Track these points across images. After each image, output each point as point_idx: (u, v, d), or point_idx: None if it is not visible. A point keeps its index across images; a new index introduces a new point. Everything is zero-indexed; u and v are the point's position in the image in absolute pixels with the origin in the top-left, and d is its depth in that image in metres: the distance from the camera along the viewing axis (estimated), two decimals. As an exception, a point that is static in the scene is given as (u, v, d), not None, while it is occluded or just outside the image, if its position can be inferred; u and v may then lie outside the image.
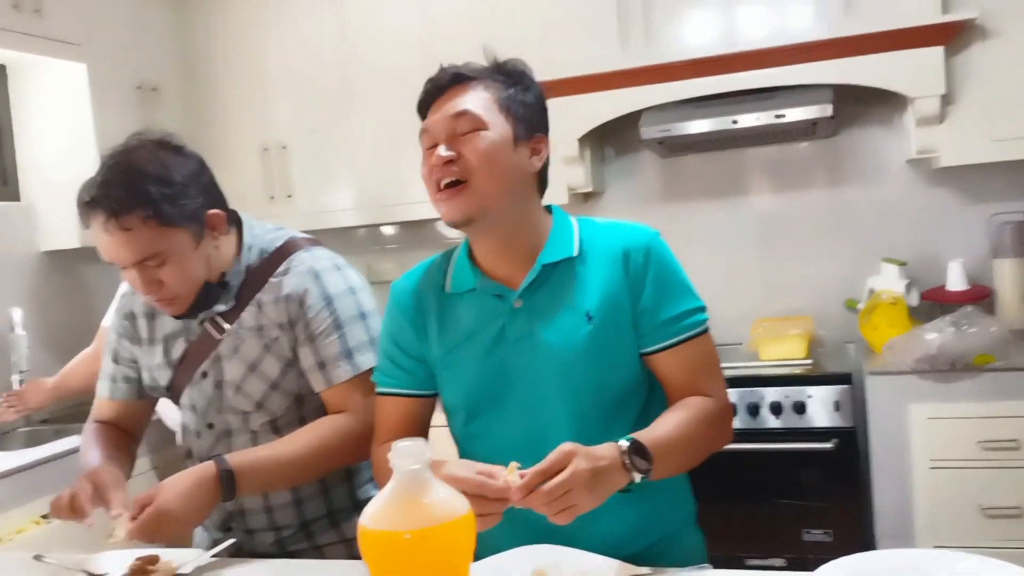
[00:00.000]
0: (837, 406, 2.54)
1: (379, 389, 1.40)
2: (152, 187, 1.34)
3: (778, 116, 2.68)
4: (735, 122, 2.73)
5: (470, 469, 1.09)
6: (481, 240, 1.32)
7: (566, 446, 1.07)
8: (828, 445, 2.51)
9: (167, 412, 2.42)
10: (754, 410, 2.58)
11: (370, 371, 1.45)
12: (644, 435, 1.15)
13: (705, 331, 1.30)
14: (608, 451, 1.10)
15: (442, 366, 1.34)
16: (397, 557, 0.73)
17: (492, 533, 1.03)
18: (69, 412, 3.07)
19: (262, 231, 1.55)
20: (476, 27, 3.11)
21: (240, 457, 1.38)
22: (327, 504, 1.54)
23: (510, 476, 1.05)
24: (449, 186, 1.24)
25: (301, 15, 3.35)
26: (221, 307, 1.49)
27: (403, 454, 0.75)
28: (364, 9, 3.28)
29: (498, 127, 1.25)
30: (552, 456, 1.06)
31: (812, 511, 2.55)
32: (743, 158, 3.19)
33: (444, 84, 1.29)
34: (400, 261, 3.66)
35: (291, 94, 3.40)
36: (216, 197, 1.47)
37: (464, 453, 1.38)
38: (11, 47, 2.76)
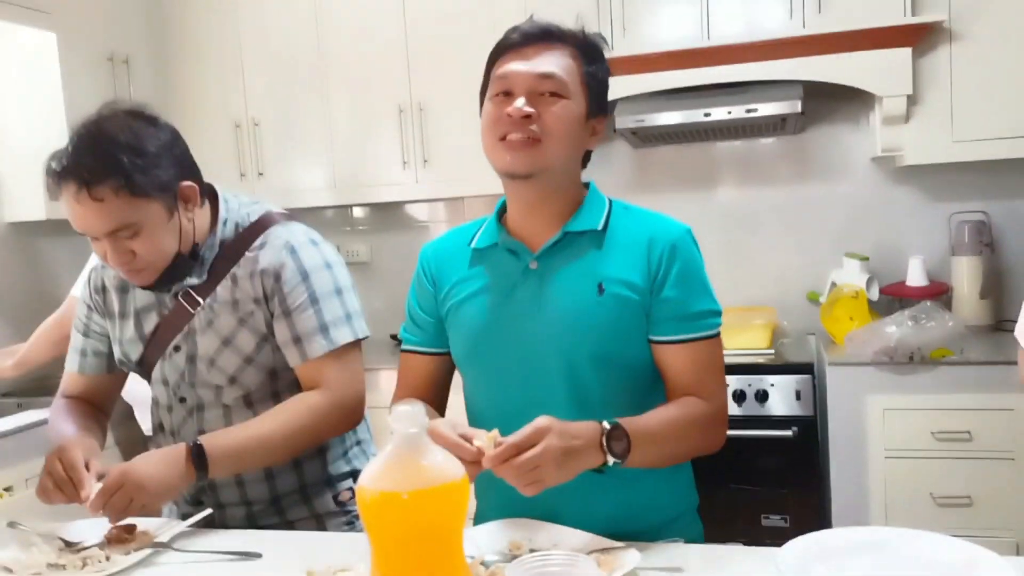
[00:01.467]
0: (798, 395, 2.60)
1: (402, 347, 1.45)
2: (124, 157, 1.32)
3: (749, 111, 2.73)
4: (707, 115, 2.77)
5: (452, 429, 1.12)
6: (522, 195, 1.32)
7: (541, 420, 1.10)
8: (788, 433, 2.58)
9: (127, 387, 2.41)
10: (717, 398, 2.64)
11: (346, 346, 1.47)
12: (629, 422, 1.18)
13: (717, 335, 1.32)
14: (585, 430, 1.13)
15: (452, 315, 1.37)
16: (394, 516, 0.76)
17: (479, 504, 1.06)
18: (32, 385, 3.03)
19: (237, 205, 1.54)
20: (454, 10, 3.12)
21: (213, 438, 1.38)
22: (299, 479, 1.55)
23: (486, 443, 1.08)
24: (520, 138, 1.24)
25: (277, -8, 3.33)
26: (195, 280, 1.48)
27: (402, 418, 0.78)
28: (341, -12, 3.26)
29: (578, 99, 1.26)
30: (526, 430, 1.09)
31: (771, 497, 2.62)
32: (713, 151, 3.24)
33: (533, 36, 1.27)
34: (370, 242, 3.66)
35: (265, 71, 3.38)
36: (190, 169, 1.45)
37: (467, 399, 1.41)
38: (-22, 13, 2.71)
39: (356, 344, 1.51)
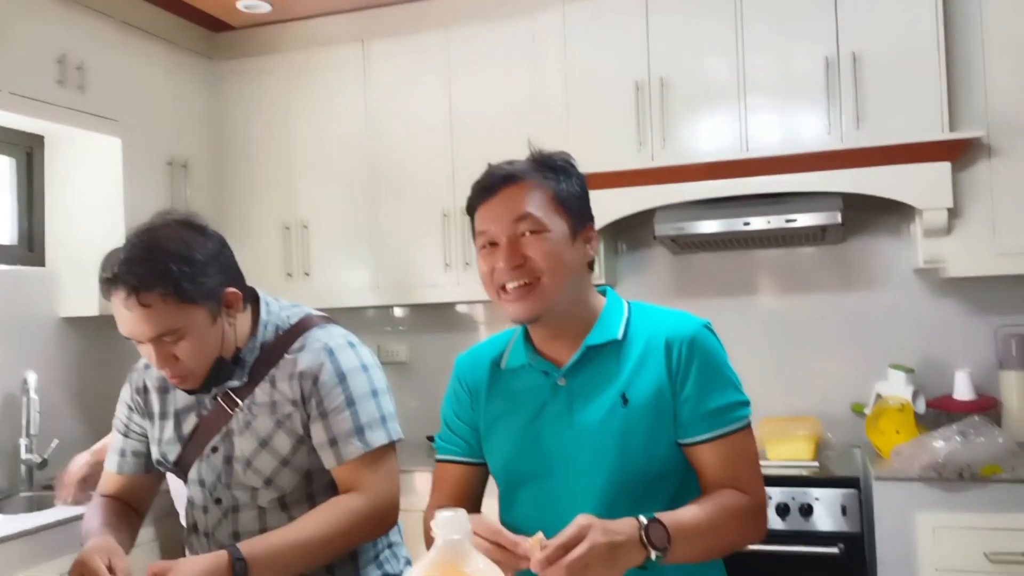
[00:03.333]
0: (844, 510, 2.52)
1: (438, 456, 1.46)
2: (173, 265, 1.37)
3: (789, 220, 2.76)
4: (747, 224, 2.80)
5: (496, 532, 1.12)
6: (539, 330, 1.37)
7: (582, 519, 1.09)
8: (834, 550, 2.49)
9: (173, 483, 2.43)
10: (760, 511, 2.57)
11: (380, 448, 1.48)
12: (667, 516, 1.17)
13: (747, 426, 1.31)
14: (625, 526, 1.13)
15: (487, 434, 1.39)
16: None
17: None
18: (73, 479, 3.06)
19: (278, 308, 1.58)
20: (498, 121, 3.23)
21: (253, 545, 1.37)
22: (332, 584, 1.54)
23: (531, 545, 1.07)
24: (516, 287, 1.28)
25: (329, 99, 3.49)
26: (235, 383, 1.51)
27: (445, 524, 0.78)
28: (390, 98, 3.41)
29: (557, 225, 1.29)
30: (570, 529, 1.08)
31: (817, 618, 2.51)
32: (753, 259, 3.26)
33: (497, 185, 1.31)
34: (410, 342, 3.70)
35: (316, 175, 3.51)
36: (234, 275, 1.50)
37: (503, 516, 1.41)
38: (52, 119, 2.87)
39: (391, 447, 1.51)
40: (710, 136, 2.92)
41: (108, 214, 3.10)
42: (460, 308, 3.70)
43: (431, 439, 3.38)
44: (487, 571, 0.78)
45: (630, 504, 1.26)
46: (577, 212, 1.32)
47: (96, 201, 3.13)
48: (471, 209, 1.35)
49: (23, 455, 2.88)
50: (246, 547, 1.36)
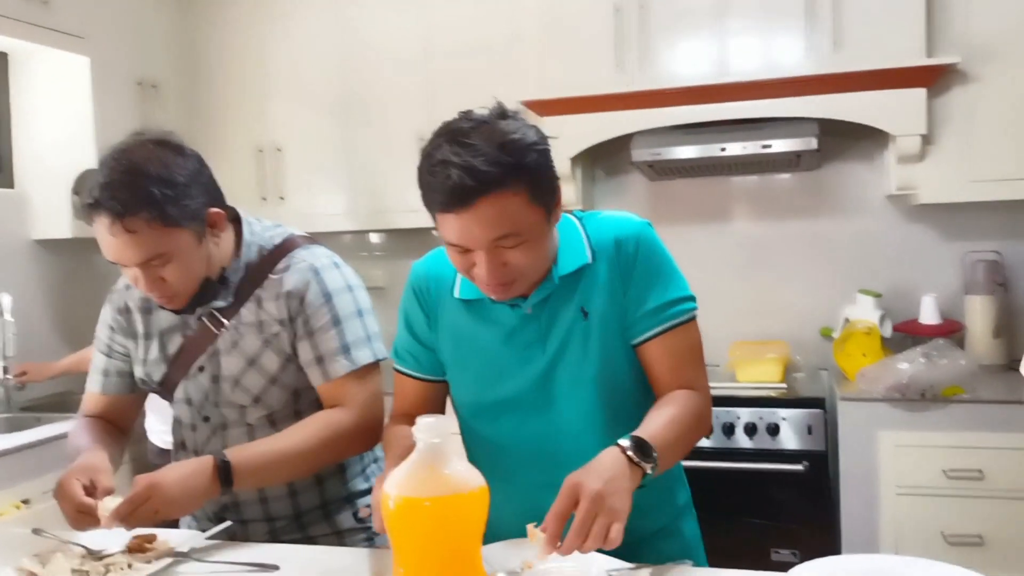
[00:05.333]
0: (809, 430, 2.61)
1: (395, 367, 1.46)
2: (155, 188, 1.35)
3: (765, 146, 2.77)
4: (723, 150, 2.81)
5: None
6: None
7: (569, 479, 1.08)
8: (799, 467, 2.58)
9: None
10: (729, 430, 2.65)
11: (366, 366, 1.51)
12: (642, 431, 1.18)
13: (691, 319, 1.32)
14: (609, 458, 1.13)
15: (450, 363, 1.40)
16: (416, 522, 0.79)
17: (492, 521, 1.06)
18: (50, 400, 3.08)
19: (261, 228, 1.58)
20: (475, 43, 3.19)
21: (239, 452, 1.41)
22: (320, 495, 1.58)
23: (538, 540, 1.05)
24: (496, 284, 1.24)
25: (303, 20, 3.41)
26: (220, 303, 1.51)
27: (427, 429, 0.81)
28: (365, 20, 3.34)
29: (535, 223, 1.21)
30: (561, 496, 1.07)
31: (781, 531, 2.61)
32: (728, 185, 3.28)
33: (467, 197, 1.15)
34: (387, 267, 3.71)
35: (289, 98, 3.45)
36: (216, 195, 1.49)
37: (468, 443, 1.43)
38: (16, 36, 2.79)
39: (376, 365, 1.54)
40: (689, 60, 2.90)
41: (78, 135, 3.05)
42: (435, 233, 3.68)
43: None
44: (466, 473, 0.82)
45: (606, 417, 1.31)
46: (550, 195, 1.23)
47: (65, 122, 3.08)
48: (430, 209, 1.22)
49: (0, 377, 2.89)
50: (231, 453, 1.39)
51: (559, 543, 1.03)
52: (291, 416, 1.53)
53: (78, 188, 3.08)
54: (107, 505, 1.32)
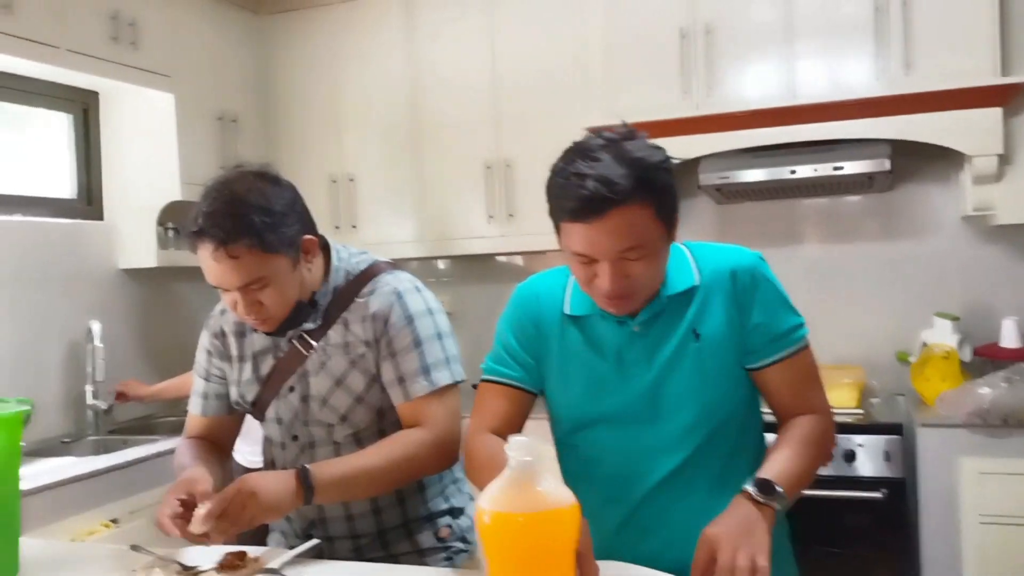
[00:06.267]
0: (887, 456, 2.56)
1: (487, 376, 1.48)
2: (255, 217, 1.43)
3: (836, 168, 2.75)
4: (793, 172, 2.80)
5: None
6: None
7: (704, 533, 1.14)
8: (877, 495, 2.53)
9: None
10: (803, 455, 2.61)
11: (445, 387, 1.55)
12: (767, 471, 1.24)
13: (807, 345, 1.38)
14: (737, 505, 1.19)
15: (554, 378, 1.43)
16: (510, 537, 0.82)
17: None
18: (136, 424, 3.20)
19: (347, 255, 1.65)
20: (542, 70, 3.24)
21: (320, 466, 1.46)
22: (402, 514, 1.62)
23: None
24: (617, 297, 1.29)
25: (375, 54, 3.52)
26: (309, 325, 1.58)
27: (519, 447, 0.84)
28: (434, 52, 3.43)
29: (659, 238, 1.27)
30: (698, 551, 1.13)
31: (859, 560, 2.56)
32: (798, 208, 3.25)
33: (597, 209, 1.21)
34: (454, 293, 3.76)
35: (362, 129, 3.55)
36: (309, 223, 1.57)
37: (564, 457, 1.46)
38: (108, 75, 2.94)
39: (454, 387, 1.59)
40: (756, 83, 2.90)
41: (163, 169, 3.18)
42: (501, 259, 3.74)
43: (476, 387, 3.45)
44: (558, 491, 0.84)
45: (707, 440, 1.34)
46: (672, 212, 1.29)
47: (151, 156, 3.22)
48: (559, 219, 1.27)
49: (89, 401, 3.02)
50: (313, 466, 1.44)
51: None
52: (376, 435, 1.57)
53: (163, 220, 3.22)
54: (201, 512, 1.36)
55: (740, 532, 1.13)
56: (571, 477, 1.43)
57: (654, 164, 1.25)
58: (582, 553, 1.06)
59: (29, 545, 1.48)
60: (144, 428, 3.14)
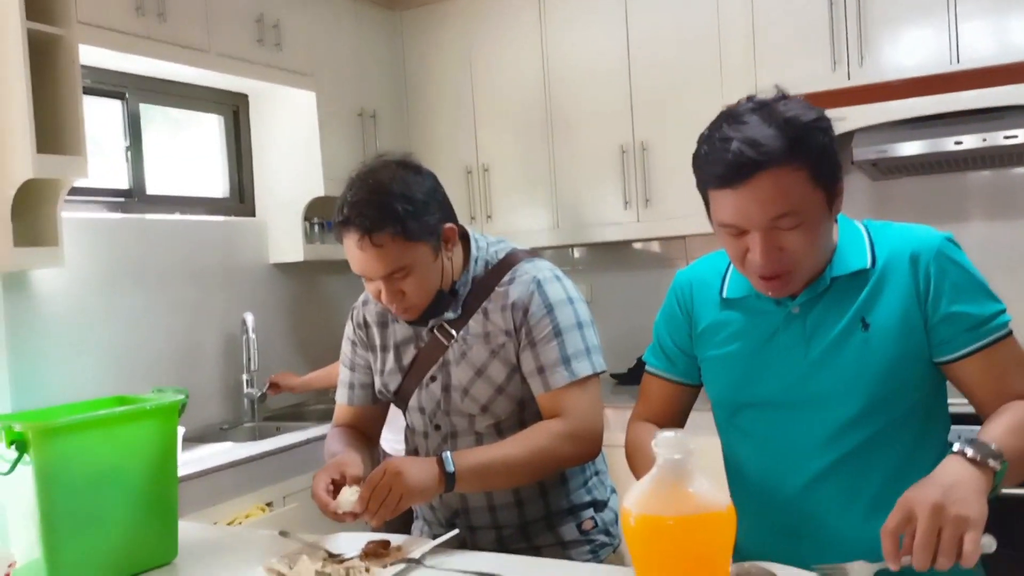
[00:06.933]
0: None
1: (648, 368, 1.46)
2: (398, 205, 1.44)
3: (1008, 137, 2.52)
4: (958, 143, 2.58)
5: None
6: None
7: (904, 495, 1.03)
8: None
9: None
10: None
11: (585, 378, 1.51)
12: (982, 436, 1.10)
13: (1010, 332, 1.23)
14: (948, 465, 1.06)
15: (709, 363, 1.37)
16: (659, 541, 0.77)
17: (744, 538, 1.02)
18: (289, 411, 3.34)
19: (486, 244, 1.63)
20: (679, 47, 3.13)
21: (461, 454, 1.46)
22: (545, 506, 1.59)
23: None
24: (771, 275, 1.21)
25: (508, 44, 3.51)
26: (450, 315, 1.57)
27: (667, 444, 0.78)
28: (568, 39, 3.38)
29: (815, 207, 1.16)
30: (894, 513, 1.02)
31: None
32: (961, 182, 3.01)
33: (745, 173, 1.13)
34: (590, 281, 3.71)
35: (496, 119, 3.55)
36: (449, 212, 1.57)
37: (726, 445, 1.40)
38: (255, 77, 3.07)
39: (595, 377, 1.54)
40: (913, 48, 2.69)
41: (307, 165, 3.29)
42: (638, 246, 3.66)
43: (615, 377, 3.40)
44: (711, 492, 0.78)
45: (875, 434, 1.23)
46: (832, 179, 1.18)
47: (295, 153, 3.34)
48: (706, 187, 1.20)
49: (245, 389, 3.17)
50: (455, 455, 1.45)
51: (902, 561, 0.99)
52: (517, 426, 1.56)
53: (308, 215, 3.34)
54: (345, 496, 1.40)
55: (948, 499, 0.99)
56: (734, 463, 1.38)
57: (807, 123, 1.14)
58: None
59: (185, 528, 1.55)
60: (296, 415, 3.27)
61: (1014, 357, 1.22)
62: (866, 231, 1.28)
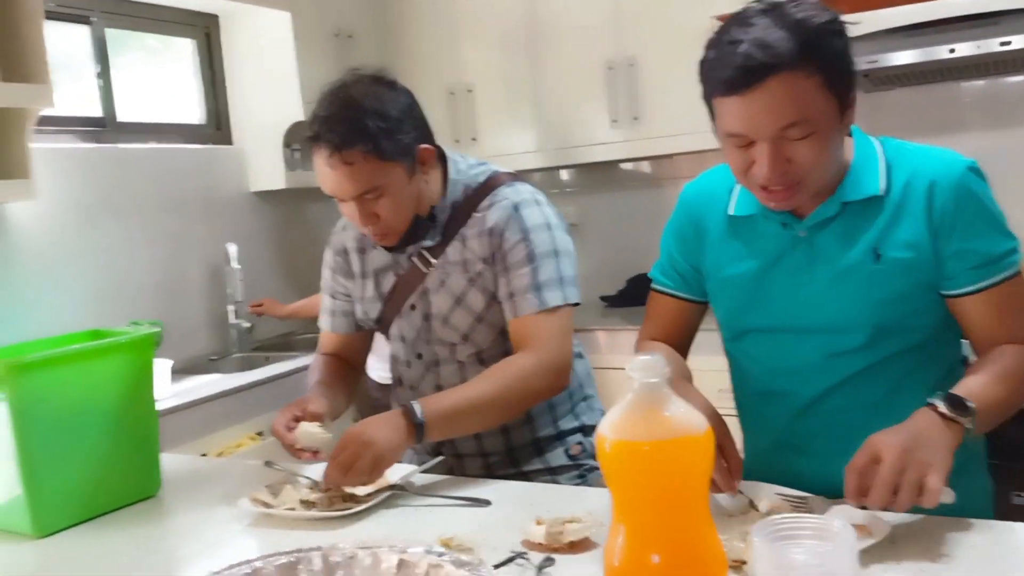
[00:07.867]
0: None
1: (654, 285, 1.42)
2: (371, 122, 1.38)
3: (1003, 44, 2.44)
4: (952, 51, 2.50)
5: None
6: None
7: (870, 438, 1.03)
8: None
9: None
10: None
11: (554, 308, 1.47)
12: (960, 389, 1.09)
13: (1018, 272, 1.19)
14: (919, 416, 1.06)
15: (713, 283, 1.33)
16: (634, 467, 0.75)
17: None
18: (277, 341, 3.33)
19: (466, 167, 1.58)
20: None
21: (428, 402, 1.41)
22: (532, 432, 1.58)
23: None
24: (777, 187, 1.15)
25: (488, -42, 3.37)
26: (428, 242, 1.53)
27: (642, 368, 0.76)
28: (550, -51, 3.25)
29: (826, 116, 1.10)
30: (859, 453, 1.02)
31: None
32: (956, 92, 2.95)
33: (754, 78, 1.06)
34: (579, 203, 3.66)
35: (479, 38, 3.45)
36: (426, 132, 1.50)
37: (733, 365, 1.39)
38: (224, -4, 2.95)
39: (566, 308, 1.49)
40: (907, -47, 2.59)
41: (284, 89, 3.21)
42: (627, 166, 3.60)
43: (604, 299, 3.39)
44: (687, 416, 0.75)
45: (880, 362, 1.21)
46: (845, 84, 1.11)
47: (271, 77, 3.25)
48: (712, 94, 1.13)
49: (231, 320, 3.15)
50: (421, 403, 1.40)
51: (863, 498, 0.99)
52: (500, 355, 1.52)
53: (288, 141, 3.26)
54: (304, 428, 1.40)
55: (915, 444, 1.00)
56: (741, 386, 1.37)
57: (819, 25, 1.07)
58: (723, 444, 0.99)
59: (170, 461, 1.54)
60: (285, 345, 3.26)
61: (1017, 298, 1.19)
62: (882, 151, 1.22)
